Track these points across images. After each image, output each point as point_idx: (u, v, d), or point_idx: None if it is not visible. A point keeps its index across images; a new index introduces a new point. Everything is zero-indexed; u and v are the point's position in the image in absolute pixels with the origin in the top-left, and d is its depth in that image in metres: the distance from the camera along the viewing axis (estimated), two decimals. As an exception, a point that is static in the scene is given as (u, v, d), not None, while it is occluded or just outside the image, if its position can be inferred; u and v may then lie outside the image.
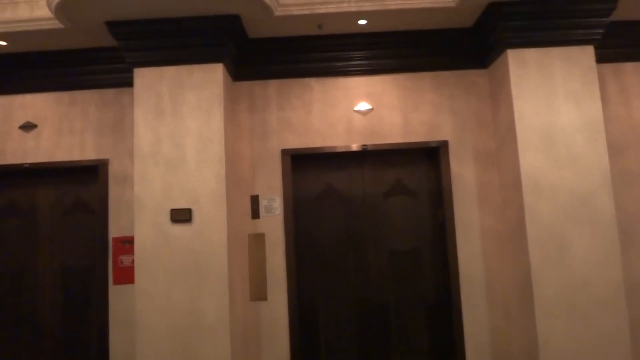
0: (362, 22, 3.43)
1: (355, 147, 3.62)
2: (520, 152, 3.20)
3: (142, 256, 3.18)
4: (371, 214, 3.76)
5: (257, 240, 3.56)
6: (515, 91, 3.25)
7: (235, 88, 3.70)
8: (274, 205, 3.57)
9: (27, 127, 3.76)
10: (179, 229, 3.19)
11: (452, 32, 3.62)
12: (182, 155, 3.24)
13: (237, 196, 3.57)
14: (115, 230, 3.65)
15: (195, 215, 3.19)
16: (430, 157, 3.75)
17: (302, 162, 3.73)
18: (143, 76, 3.33)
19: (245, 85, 3.70)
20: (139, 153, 3.27)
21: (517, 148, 3.20)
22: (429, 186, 3.76)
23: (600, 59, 3.45)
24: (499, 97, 3.46)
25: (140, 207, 3.22)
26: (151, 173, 3.24)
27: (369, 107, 3.64)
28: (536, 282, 3.08)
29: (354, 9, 3.25)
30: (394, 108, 3.65)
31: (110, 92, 3.78)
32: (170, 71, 3.32)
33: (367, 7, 3.25)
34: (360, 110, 3.64)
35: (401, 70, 3.67)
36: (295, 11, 3.27)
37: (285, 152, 3.61)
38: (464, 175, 3.58)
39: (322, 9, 3.25)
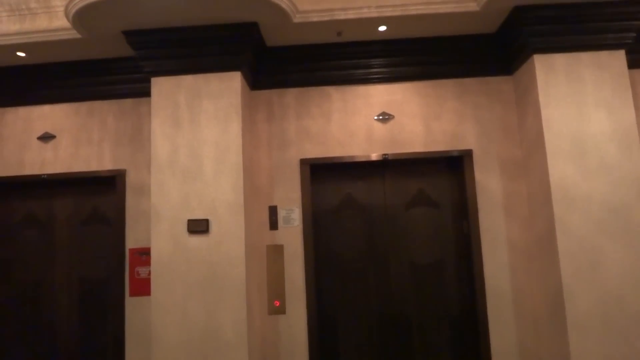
0: (382, 28, 3.35)
1: (375, 156, 3.52)
2: (549, 162, 3.06)
3: (159, 268, 3.12)
4: (392, 226, 3.65)
5: (276, 252, 3.47)
6: (543, 98, 3.13)
7: (253, 97, 3.64)
8: (293, 216, 3.49)
9: (46, 137, 3.75)
10: (196, 240, 3.12)
11: (475, 38, 3.51)
12: (199, 165, 3.19)
13: (255, 207, 3.50)
14: (132, 242, 3.61)
15: (213, 226, 3.12)
16: (453, 166, 3.63)
17: (321, 172, 3.65)
18: (160, 85, 3.30)
19: (264, 94, 3.64)
20: (156, 163, 3.22)
21: (546, 157, 3.07)
22: (453, 197, 3.64)
23: (633, 64, 3.31)
24: (526, 105, 3.34)
25: (157, 218, 3.16)
26: (168, 183, 3.19)
27: (390, 115, 3.55)
28: (568, 297, 2.93)
29: (374, 15, 3.17)
30: (415, 116, 3.55)
31: (127, 102, 3.76)
32: (187, 80, 3.28)
33: (388, 12, 3.17)
34: (380, 118, 3.55)
35: (422, 77, 3.57)
36: (315, 18, 3.20)
37: (304, 162, 3.53)
38: (490, 185, 3.45)
39: (342, 15, 3.18)
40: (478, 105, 3.54)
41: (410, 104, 3.56)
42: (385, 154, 3.51)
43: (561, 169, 3.05)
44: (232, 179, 3.15)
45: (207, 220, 3.12)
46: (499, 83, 3.55)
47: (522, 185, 3.44)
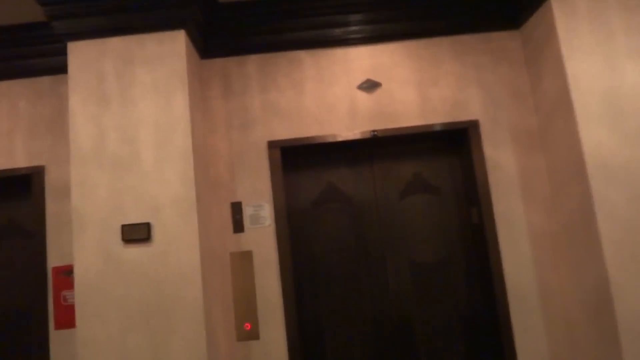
0: (363, -27, 2.69)
1: (361, 134, 2.83)
2: (580, 127, 2.45)
3: (85, 291, 2.33)
4: (385, 219, 2.97)
5: (243, 261, 2.73)
6: (566, 50, 2.52)
7: (205, 67, 2.90)
8: (262, 213, 2.76)
9: (-64, 130, 2.90)
10: (134, 252, 2.35)
11: (474, -15, 2.89)
12: (134, 152, 2.42)
13: (213, 204, 2.76)
14: (55, 258, 2.79)
15: (156, 232, 2.36)
16: (456, 142, 2.98)
17: (295, 157, 2.95)
18: (79, 51, 2.52)
19: (217, 63, 2.90)
20: (77, 153, 2.44)
21: (576, 122, 2.46)
22: (457, 179, 2.99)
23: (664, 6, 2.75)
24: (542, 61, 2.73)
25: (80, 225, 2.38)
26: (94, 178, 2.41)
27: (376, 83, 2.88)
28: (617, 295, 2.31)
29: (353, -48, 2.51)
30: (407, 83, 2.89)
31: (45, 81, 2.94)
32: (115, 43, 2.52)
33: (370, -51, 2.51)
34: (364, 87, 2.87)
35: (413, 35, 2.91)
36: (277, -43, 2.51)
37: (273, 145, 2.81)
38: (502, 162, 2.82)
39: (312, -47, 2.50)
40: (481, 66, 2.91)
41: (400, 68, 2.90)
42: (373, 131, 2.83)
43: (595, 134, 2.45)
44: (179, 168, 2.41)
45: (147, 225, 2.36)
46: (503, 39, 2.93)
47: (541, 160, 2.82)
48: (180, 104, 2.46)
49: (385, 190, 3.00)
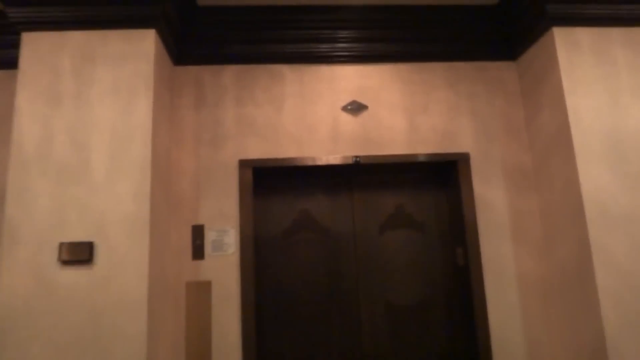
0: (356, -13, 2.51)
1: (342, 159, 2.59)
2: (579, 167, 2.26)
3: (9, 316, 1.98)
4: (363, 254, 2.70)
5: (200, 292, 2.41)
6: (567, 83, 2.35)
7: (177, 74, 2.65)
8: (227, 240, 2.46)
9: None
10: (72, 274, 2.02)
11: (471, 10, 2.73)
12: (84, 160, 2.12)
13: (172, 225, 2.45)
14: (-16, 276, 2.43)
15: (100, 253, 2.04)
16: (444, 175, 2.77)
17: (268, 179, 2.68)
18: (34, 43, 2.24)
19: (191, 70, 2.65)
20: (18, 156, 2.13)
21: (575, 161, 2.26)
22: (443, 216, 2.76)
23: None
24: (539, 95, 2.55)
25: (12, 239, 2.04)
26: (34, 186, 2.09)
27: (362, 105, 2.66)
28: (615, 355, 2.07)
29: (346, -37, 2.32)
30: (395, 108, 2.68)
31: (-5, 76, 2.65)
32: (75, 37, 2.25)
33: (365, -39, 2.33)
34: (349, 109, 2.65)
35: (405, 58, 2.72)
36: (264, -39, 2.31)
37: (244, 164, 2.54)
38: (492, 200, 2.60)
39: (302, -40, 2.31)
40: (474, 95, 2.72)
41: (388, 92, 2.69)
42: (355, 157, 2.59)
43: (595, 176, 2.26)
44: (134, 181, 2.11)
45: (90, 244, 2.04)
46: (499, 69, 2.76)
47: (534, 200, 2.62)
48: (142, 109, 2.18)
49: (365, 223, 2.74)
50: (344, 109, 2.65)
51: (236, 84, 2.65)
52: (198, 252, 2.44)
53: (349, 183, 2.78)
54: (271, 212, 2.71)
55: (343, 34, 2.69)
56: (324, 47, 2.68)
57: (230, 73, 2.65)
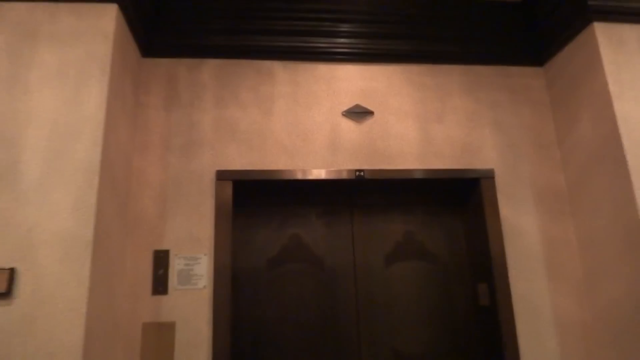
0: (362, -28, 2.13)
1: (342, 173, 2.14)
2: (635, 187, 1.84)
3: None
4: (365, 292, 2.22)
5: (160, 336, 1.88)
6: (614, 87, 1.97)
7: (146, 67, 2.20)
8: (197, 270, 1.96)
9: None
10: (-19, 313, 1.49)
11: (492, 8, 2.38)
12: (12, 159, 1.63)
13: (127, 249, 1.94)
14: None
15: (23, 283, 1.52)
16: (463, 195, 2.33)
17: (251, 196, 2.21)
18: (-40, 15, 1.78)
19: (163, 64, 2.21)
20: None
21: (630, 180, 1.85)
22: (461, 245, 2.31)
23: None
24: (575, 104, 2.17)
25: None
26: (-60, 193, 1.58)
27: (367, 110, 2.24)
28: None
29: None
30: (405, 115, 2.26)
31: None
32: (14, 9, 1.79)
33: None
34: (352, 114, 2.22)
35: (416, 58, 2.33)
36: None
37: (223, 176, 2.07)
38: (522, 226, 2.16)
39: None
40: (497, 104, 2.33)
41: (398, 96, 2.28)
42: (358, 171, 2.14)
43: (655, 197, 1.85)
44: (75, 190, 1.61)
45: (10, 271, 1.52)
46: (524, 76, 2.39)
47: (569, 228, 2.19)
48: (94, 99, 1.71)
49: (368, 252, 2.27)
50: (345, 115, 2.22)
51: (217, 81, 2.21)
52: (160, 284, 1.92)
53: (350, 203, 2.32)
54: (254, 236, 2.22)
55: (345, 27, 2.29)
56: (322, 42, 2.28)
57: (210, 68, 2.22)
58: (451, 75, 2.34)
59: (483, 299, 2.16)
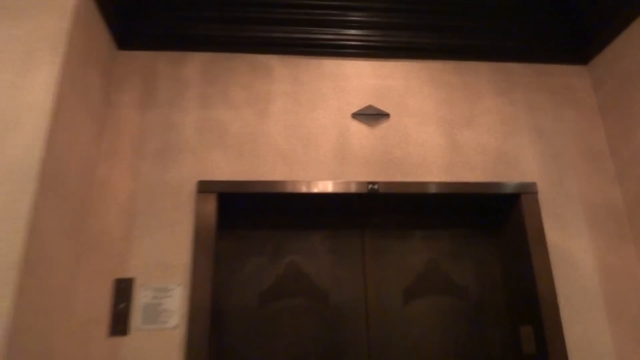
0: (375, -49, 1.81)
1: (352, 186, 1.75)
2: None
3: None
4: (378, 334, 1.79)
5: (117, 391, 1.45)
6: (685, 79, 1.60)
7: (121, 60, 1.86)
8: (168, 305, 1.55)
9: None
10: None
11: (527, -2, 2.06)
12: None
13: (79, 277, 1.54)
14: None
15: None
16: (498, 215, 1.92)
17: (240, 213, 1.83)
18: None
19: (140, 57, 1.87)
20: None
21: None
22: (497, 277, 1.89)
23: None
24: (630, 108, 1.80)
25: None
26: None
27: (382, 113, 1.87)
28: None
29: None
30: (427, 118, 1.89)
31: None
32: (-49, -23, 1.47)
33: None
34: (364, 116, 1.86)
35: (439, 53, 1.99)
36: None
37: (206, 188, 1.69)
38: (574, 254, 1.75)
39: None
40: (536, 107, 1.96)
41: (418, 96, 1.92)
42: (371, 183, 1.76)
43: None
44: (3, 195, 1.24)
45: None
46: (566, 75, 2.03)
47: (632, 255, 1.77)
48: (40, 84, 1.36)
49: (382, 286, 1.85)
50: (355, 117, 1.85)
51: (203, 77, 1.86)
52: (120, 323, 1.51)
53: (360, 224, 1.92)
54: (243, 264, 1.82)
55: (356, 16, 1.96)
56: (329, 34, 1.94)
57: (195, 62, 1.88)
58: (480, 73, 1.98)
59: (528, 345, 1.72)
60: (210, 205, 1.67)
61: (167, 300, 1.54)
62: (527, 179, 1.83)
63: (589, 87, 2.01)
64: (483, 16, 2.01)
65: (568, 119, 1.95)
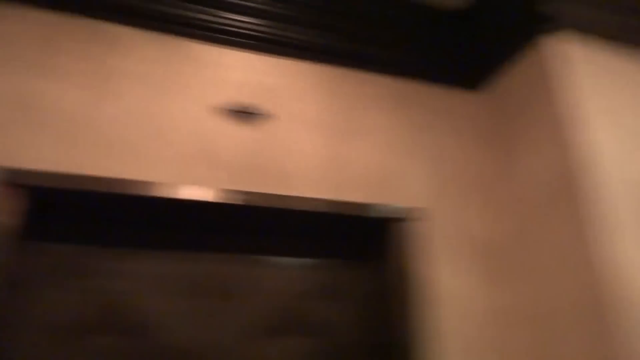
0: None
1: (216, 196, 1.42)
2: (595, 238, 1.38)
3: None
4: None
5: None
6: (571, 113, 1.55)
7: None
8: None
9: None
10: None
11: (428, 13, 1.94)
12: None
13: None
14: None
15: None
16: (378, 241, 1.70)
17: (60, 219, 1.39)
18: None
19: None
20: None
21: (589, 230, 1.39)
22: (367, 315, 1.66)
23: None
24: (521, 133, 1.73)
25: None
26: None
27: (257, 112, 1.58)
28: None
29: None
30: (311, 125, 1.64)
31: None
32: None
33: None
34: (240, 111, 1.55)
35: (332, 57, 1.76)
36: None
37: (15, 180, 1.23)
38: (453, 292, 1.58)
39: None
40: (426, 127, 1.81)
41: (302, 99, 1.67)
42: (244, 193, 1.44)
43: (624, 251, 1.39)
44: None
45: None
46: (464, 100, 1.91)
47: (514, 294, 1.66)
48: None
49: (224, 322, 1.52)
50: (223, 113, 1.54)
51: (29, 40, 1.42)
52: None
53: (221, 242, 1.57)
54: (37, 287, 1.36)
55: (245, 3, 1.67)
56: (206, 14, 1.62)
57: (19, 20, 1.43)
58: (370, 85, 1.79)
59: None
60: (17, 207, 1.22)
61: None
62: (406, 203, 1.64)
63: (485, 114, 1.93)
64: (385, 26, 1.85)
65: (462, 145, 1.83)
